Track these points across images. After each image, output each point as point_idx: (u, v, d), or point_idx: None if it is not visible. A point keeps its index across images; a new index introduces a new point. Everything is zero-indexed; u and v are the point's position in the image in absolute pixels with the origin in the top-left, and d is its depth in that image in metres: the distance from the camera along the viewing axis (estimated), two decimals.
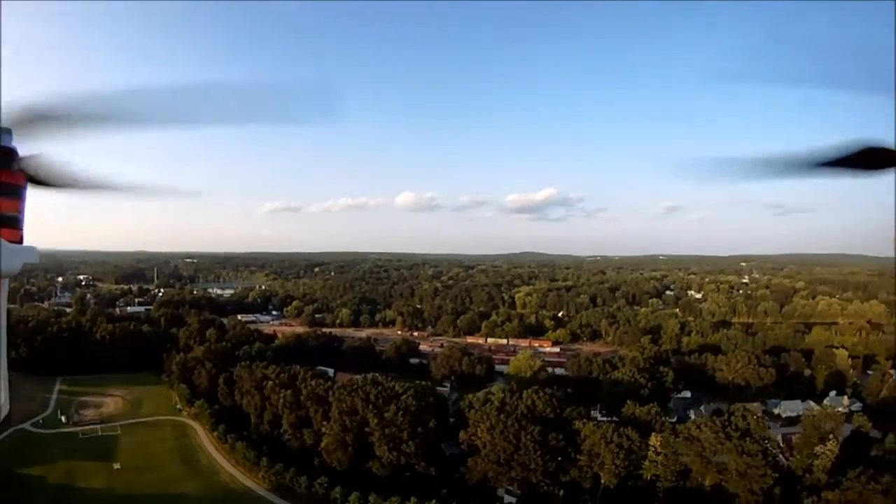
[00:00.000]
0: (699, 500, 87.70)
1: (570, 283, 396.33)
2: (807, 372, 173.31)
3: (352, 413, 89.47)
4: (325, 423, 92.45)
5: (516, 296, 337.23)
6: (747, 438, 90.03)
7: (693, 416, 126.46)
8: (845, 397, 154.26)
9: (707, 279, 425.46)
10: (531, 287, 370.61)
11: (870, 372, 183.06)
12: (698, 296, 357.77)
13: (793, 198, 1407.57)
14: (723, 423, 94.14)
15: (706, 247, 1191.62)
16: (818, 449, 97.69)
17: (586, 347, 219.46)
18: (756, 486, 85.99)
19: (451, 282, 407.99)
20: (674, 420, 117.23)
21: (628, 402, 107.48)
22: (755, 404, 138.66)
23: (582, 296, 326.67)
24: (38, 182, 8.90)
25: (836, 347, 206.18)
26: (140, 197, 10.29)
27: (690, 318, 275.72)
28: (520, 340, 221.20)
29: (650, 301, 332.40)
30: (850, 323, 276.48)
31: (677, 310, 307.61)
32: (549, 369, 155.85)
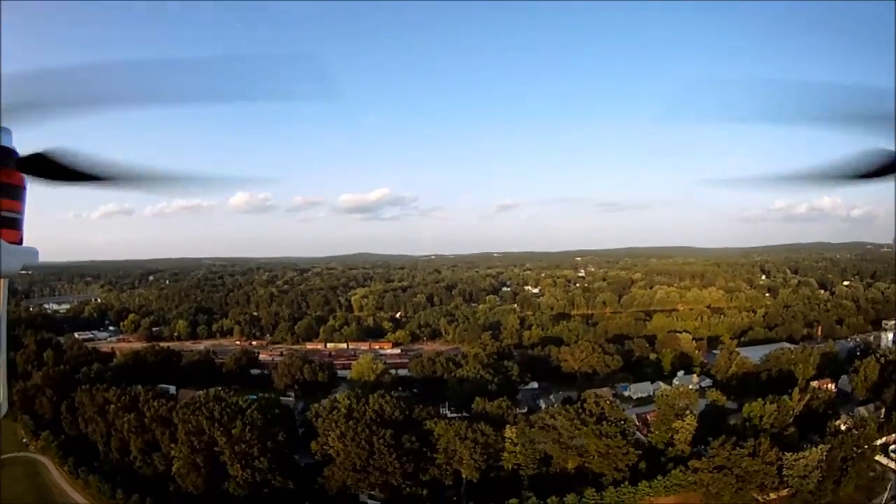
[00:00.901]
0: (565, 483, 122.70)
1: (405, 283, 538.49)
2: (652, 356, 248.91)
3: (199, 433, 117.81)
4: (173, 445, 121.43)
5: (353, 298, 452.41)
6: (603, 422, 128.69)
7: (544, 406, 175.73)
8: (694, 376, 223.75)
9: (543, 274, 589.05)
10: (367, 289, 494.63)
11: (715, 352, 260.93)
12: (535, 290, 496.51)
13: (624, 196, 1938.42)
14: (576, 409, 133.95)
15: (540, 243, 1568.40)
16: (676, 424, 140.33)
17: (427, 347, 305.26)
18: (621, 463, 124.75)
19: (286, 286, 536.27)
20: (524, 411, 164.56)
21: (477, 398, 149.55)
22: (605, 389, 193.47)
23: (419, 295, 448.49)
24: (53, 175, 12.14)
25: (679, 332, 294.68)
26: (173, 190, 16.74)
27: (529, 313, 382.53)
28: (360, 344, 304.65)
29: (487, 298, 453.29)
30: (691, 309, 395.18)
31: (515, 305, 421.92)
32: (393, 371, 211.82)
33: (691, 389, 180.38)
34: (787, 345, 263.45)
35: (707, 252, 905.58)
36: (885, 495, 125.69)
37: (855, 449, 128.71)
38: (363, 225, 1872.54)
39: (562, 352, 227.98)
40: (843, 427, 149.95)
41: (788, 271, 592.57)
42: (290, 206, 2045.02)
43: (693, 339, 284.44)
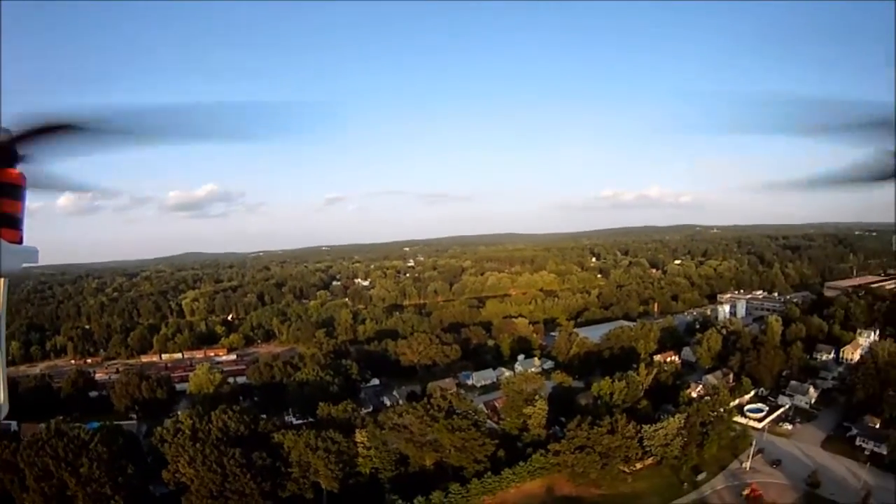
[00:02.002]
0: (427, 481, 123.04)
1: (235, 282, 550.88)
2: (490, 342, 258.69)
3: (47, 477, 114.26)
4: (25, 495, 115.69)
5: (183, 302, 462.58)
6: (454, 416, 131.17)
7: (388, 403, 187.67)
8: (535, 359, 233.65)
9: (373, 266, 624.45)
10: (197, 291, 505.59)
11: (553, 334, 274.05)
12: (366, 283, 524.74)
13: (451, 186, 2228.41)
14: (424, 406, 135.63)
15: (367, 235, 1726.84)
16: (528, 410, 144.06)
17: (263, 349, 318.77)
18: (479, 455, 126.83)
19: (116, 294, 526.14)
20: (369, 410, 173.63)
21: (321, 403, 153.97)
22: (448, 380, 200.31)
23: (249, 295, 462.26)
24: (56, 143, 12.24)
25: (515, 317, 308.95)
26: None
27: (361, 306, 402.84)
28: (195, 352, 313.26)
29: (318, 293, 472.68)
30: (524, 293, 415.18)
31: (347, 299, 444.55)
32: (231, 380, 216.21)
33: (537, 374, 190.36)
34: (624, 322, 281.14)
35: (536, 238, 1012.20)
36: (751, 451, 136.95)
37: (711, 413, 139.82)
38: (191, 223, 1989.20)
39: (399, 345, 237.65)
40: (694, 395, 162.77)
41: (619, 253, 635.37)
42: (116, 205, 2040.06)
43: (529, 322, 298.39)
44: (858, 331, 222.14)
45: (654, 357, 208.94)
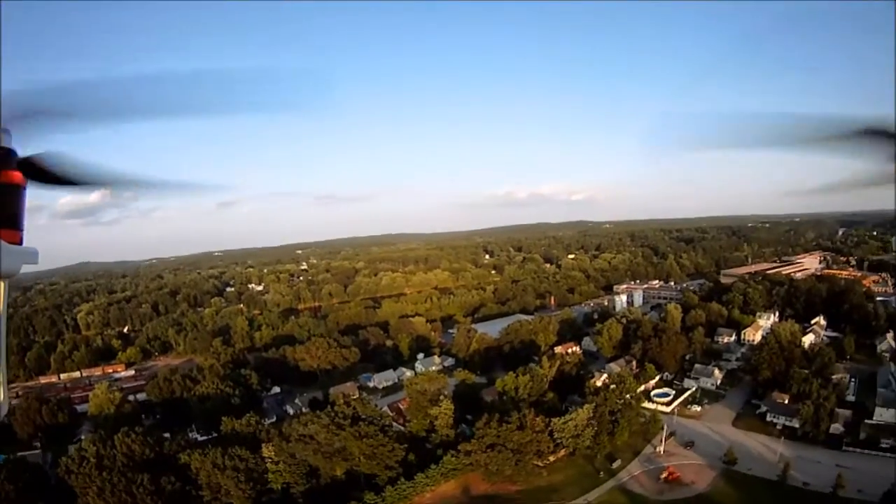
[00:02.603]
0: (340, 491, 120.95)
1: (129, 292, 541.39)
2: (389, 343, 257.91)
3: None
4: None
5: (78, 316, 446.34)
6: (360, 422, 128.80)
7: (291, 411, 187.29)
8: (435, 357, 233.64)
9: (266, 270, 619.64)
10: (91, 304, 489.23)
11: (451, 331, 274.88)
12: (260, 288, 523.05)
13: (342, 188, 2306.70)
14: (328, 414, 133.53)
15: (260, 238, 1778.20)
16: (434, 411, 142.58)
17: (161, 362, 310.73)
18: (390, 461, 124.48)
19: (10, 310, 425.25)
20: (273, 420, 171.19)
21: (224, 419, 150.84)
22: (349, 384, 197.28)
23: (144, 305, 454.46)
24: (44, 179, 12.29)
25: (411, 316, 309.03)
26: (158, 195, 13.93)
27: (257, 312, 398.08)
28: (93, 370, 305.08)
29: (213, 300, 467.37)
30: (419, 292, 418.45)
31: (242, 305, 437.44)
32: (132, 398, 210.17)
33: (439, 373, 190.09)
34: (522, 316, 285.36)
35: (429, 237, 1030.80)
36: (663, 434, 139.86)
37: (619, 401, 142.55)
38: (83, 230, 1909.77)
39: (297, 351, 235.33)
40: (599, 384, 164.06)
41: (512, 250, 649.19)
42: None
43: (427, 321, 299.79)
44: (758, 314, 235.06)
45: (556, 349, 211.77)
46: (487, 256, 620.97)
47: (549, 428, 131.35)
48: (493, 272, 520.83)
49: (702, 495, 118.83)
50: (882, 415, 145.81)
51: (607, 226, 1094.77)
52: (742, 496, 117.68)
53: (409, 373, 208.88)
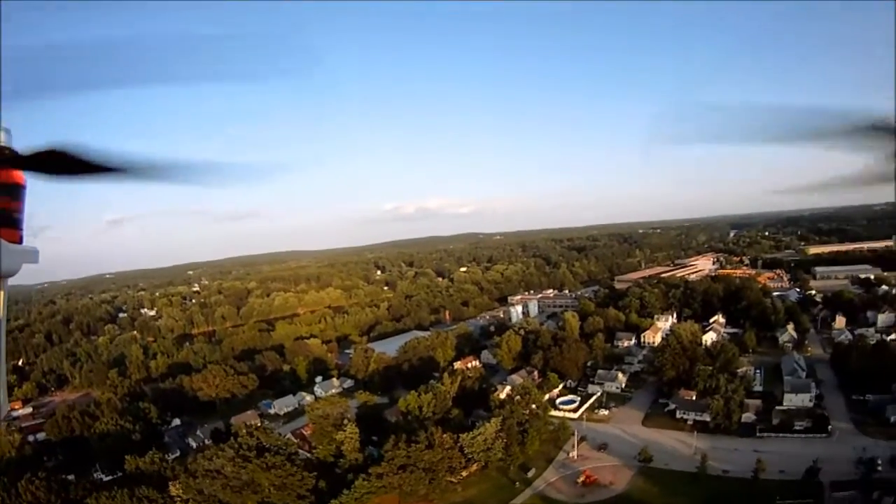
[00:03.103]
0: None
1: (22, 321, 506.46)
2: (286, 367, 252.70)
3: None
4: None
5: None
6: (266, 453, 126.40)
7: (194, 444, 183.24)
8: (334, 379, 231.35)
9: (158, 293, 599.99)
10: None
11: (348, 351, 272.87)
12: (153, 313, 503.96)
13: (234, 204, 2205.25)
14: (233, 446, 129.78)
15: (151, 259, 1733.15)
16: (339, 436, 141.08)
17: (58, 398, 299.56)
18: (301, 490, 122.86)
19: None
20: (176, 455, 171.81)
21: (127, 457, 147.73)
22: (250, 412, 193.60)
23: (37, 335, 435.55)
24: (58, 171, 11.57)
25: (306, 337, 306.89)
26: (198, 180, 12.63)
27: (151, 339, 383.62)
28: None
29: (106, 328, 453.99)
30: (312, 312, 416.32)
31: (136, 332, 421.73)
32: (31, 438, 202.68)
33: (340, 396, 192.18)
34: (418, 333, 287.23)
35: (319, 254, 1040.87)
36: (574, 440, 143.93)
37: (525, 412, 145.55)
38: None
39: (195, 380, 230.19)
40: (503, 396, 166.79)
41: (403, 265, 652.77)
42: None
43: (322, 342, 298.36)
44: (656, 316, 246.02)
45: (455, 364, 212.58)
46: (379, 272, 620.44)
47: (459, 444, 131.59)
48: (385, 288, 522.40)
49: (622, 494, 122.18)
50: (791, 400, 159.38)
51: (498, 237, 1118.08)
52: (663, 490, 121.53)
53: (308, 397, 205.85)
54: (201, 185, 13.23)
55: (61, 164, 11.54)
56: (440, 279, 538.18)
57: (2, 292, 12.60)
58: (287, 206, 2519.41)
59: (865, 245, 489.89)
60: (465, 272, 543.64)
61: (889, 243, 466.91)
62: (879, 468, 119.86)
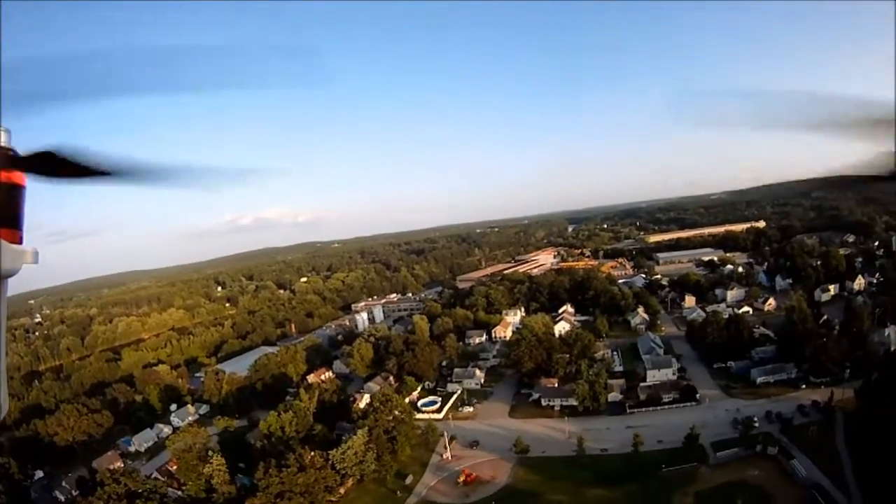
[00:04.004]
0: None
1: None
2: (138, 398, 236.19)
3: None
4: None
5: None
6: (137, 499, 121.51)
7: (61, 497, 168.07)
8: (189, 406, 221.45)
9: None
10: None
11: (199, 375, 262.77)
12: None
13: (72, 223, 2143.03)
14: (101, 497, 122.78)
15: None
16: (207, 469, 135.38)
17: None
18: None
19: None
20: None
21: None
22: (110, 453, 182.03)
23: None
24: (57, 174, 10.60)
25: (155, 364, 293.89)
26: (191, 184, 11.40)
27: None
28: None
29: None
30: (157, 335, 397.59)
31: None
32: None
33: (198, 424, 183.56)
34: (267, 349, 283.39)
35: (158, 273, 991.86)
36: (444, 441, 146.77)
37: (389, 419, 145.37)
38: None
39: (49, 423, 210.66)
40: (362, 405, 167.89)
41: (243, 279, 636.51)
42: None
43: (171, 367, 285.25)
44: (504, 312, 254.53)
45: (309, 378, 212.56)
46: (220, 288, 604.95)
47: (330, 461, 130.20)
48: (227, 305, 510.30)
49: (507, 487, 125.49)
50: (655, 375, 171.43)
51: (336, 245, 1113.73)
52: (546, 477, 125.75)
53: (167, 429, 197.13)
54: (198, 189, 13.72)
55: (59, 166, 11.00)
56: (282, 291, 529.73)
57: (2, 293, 11.14)
58: (121, 221, 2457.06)
59: (706, 230, 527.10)
60: (305, 283, 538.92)
61: (730, 227, 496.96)
62: (756, 424, 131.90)
